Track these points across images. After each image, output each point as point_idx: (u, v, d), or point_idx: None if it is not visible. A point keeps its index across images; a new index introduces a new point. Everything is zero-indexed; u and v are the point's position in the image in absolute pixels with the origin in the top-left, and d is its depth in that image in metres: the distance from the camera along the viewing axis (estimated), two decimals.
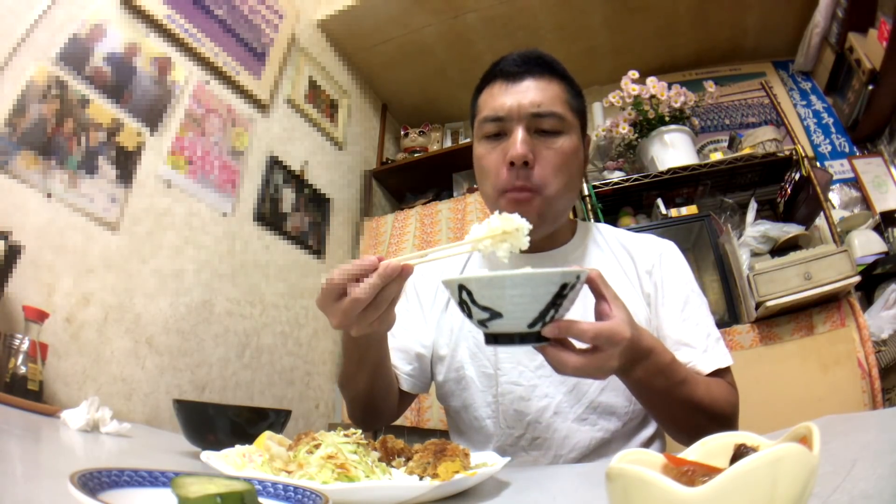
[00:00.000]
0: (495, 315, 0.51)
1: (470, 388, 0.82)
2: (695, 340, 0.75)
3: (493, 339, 0.54)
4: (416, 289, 0.92)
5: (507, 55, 0.82)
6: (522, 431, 0.77)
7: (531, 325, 0.51)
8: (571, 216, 1.52)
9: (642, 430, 0.78)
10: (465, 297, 0.52)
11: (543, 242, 0.83)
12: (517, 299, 0.50)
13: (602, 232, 0.90)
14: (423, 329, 0.87)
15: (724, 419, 0.68)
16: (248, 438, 0.53)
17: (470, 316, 0.54)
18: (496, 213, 0.61)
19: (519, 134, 0.75)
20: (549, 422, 0.75)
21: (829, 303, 1.44)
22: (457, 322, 0.85)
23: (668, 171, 1.80)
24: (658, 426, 0.81)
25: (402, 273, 0.56)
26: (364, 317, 0.57)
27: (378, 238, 2.12)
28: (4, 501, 0.36)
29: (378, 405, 0.81)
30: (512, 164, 0.74)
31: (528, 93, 0.77)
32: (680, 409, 0.66)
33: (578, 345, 0.54)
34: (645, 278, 0.81)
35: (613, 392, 0.75)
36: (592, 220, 1.81)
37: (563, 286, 0.50)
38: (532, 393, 0.77)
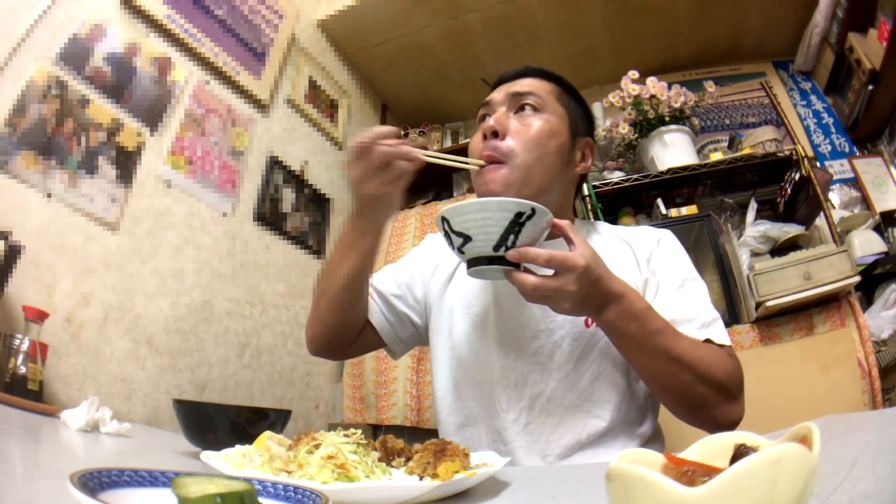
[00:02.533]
0: (467, 239, 0.60)
1: (463, 369, 0.84)
2: (688, 317, 0.73)
3: (471, 264, 0.63)
4: (427, 248, 0.97)
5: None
6: (516, 416, 0.77)
7: (495, 247, 0.59)
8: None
9: (640, 426, 0.78)
10: (446, 227, 0.62)
11: None
12: (480, 223, 0.59)
13: (601, 228, 0.91)
14: (416, 288, 0.92)
15: (718, 384, 0.67)
16: (248, 438, 0.53)
17: (452, 245, 0.63)
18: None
19: (498, 111, 0.82)
20: (543, 408, 0.76)
21: (829, 303, 1.44)
22: (456, 302, 0.87)
23: (668, 171, 1.80)
24: (657, 425, 0.81)
25: (415, 158, 0.68)
26: (379, 173, 0.68)
27: None
28: (4, 501, 0.36)
29: (344, 316, 0.82)
30: (485, 136, 0.79)
31: (516, 85, 0.85)
32: (662, 361, 0.66)
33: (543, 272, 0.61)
34: (644, 266, 0.82)
35: (607, 382, 0.76)
36: (593, 220, 1.81)
37: (519, 214, 0.58)
38: (525, 379, 0.78)
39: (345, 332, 0.85)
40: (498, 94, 0.85)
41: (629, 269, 0.81)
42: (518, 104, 0.82)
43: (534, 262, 0.60)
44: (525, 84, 0.85)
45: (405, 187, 0.71)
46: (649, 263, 0.82)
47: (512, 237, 0.59)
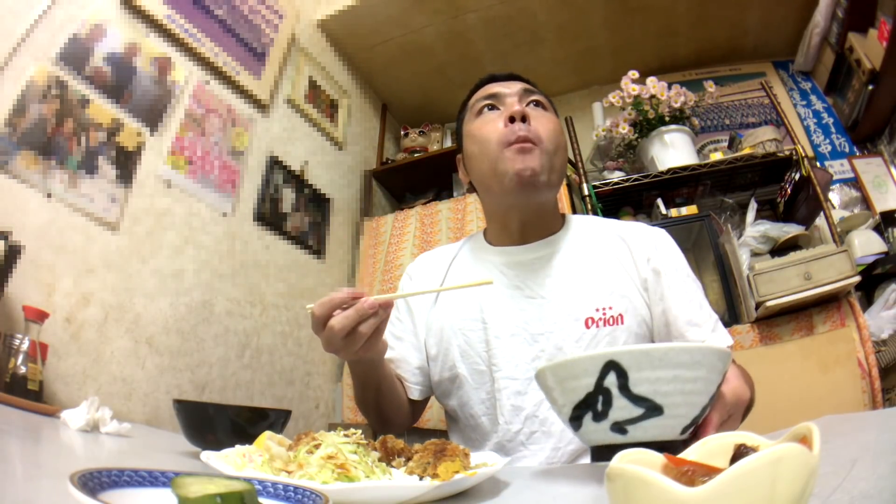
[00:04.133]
0: (652, 411, 0.38)
1: (464, 387, 0.83)
2: (702, 321, 0.78)
3: (612, 454, 0.37)
4: (413, 281, 0.96)
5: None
6: (520, 426, 0.77)
7: (686, 428, 0.37)
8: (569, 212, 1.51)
9: None
10: (609, 382, 0.38)
11: (533, 232, 0.86)
12: (689, 385, 0.37)
13: (593, 222, 0.92)
14: (418, 335, 0.91)
15: (751, 400, 0.68)
16: (248, 438, 0.53)
17: (601, 416, 0.39)
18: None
19: (514, 100, 0.84)
20: (547, 415, 0.75)
21: (829, 303, 1.44)
22: (446, 320, 0.86)
23: (668, 171, 1.80)
24: None
25: (381, 309, 0.62)
26: (347, 344, 0.63)
27: (378, 238, 2.12)
28: (4, 501, 0.36)
29: (391, 418, 0.85)
30: (512, 119, 0.80)
31: (517, 85, 0.88)
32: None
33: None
34: (642, 264, 0.82)
35: None
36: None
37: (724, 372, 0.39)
38: (528, 386, 0.77)
39: (401, 422, 0.87)
40: (507, 89, 0.87)
41: (626, 268, 0.82)
42: (529, 100, 0.86)
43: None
44: (526, 87, 0.89)
45: (382, 332, 0.67)
46: (649, 263, 0.82)
47: (708, 408, 0.39)
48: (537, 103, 0.87)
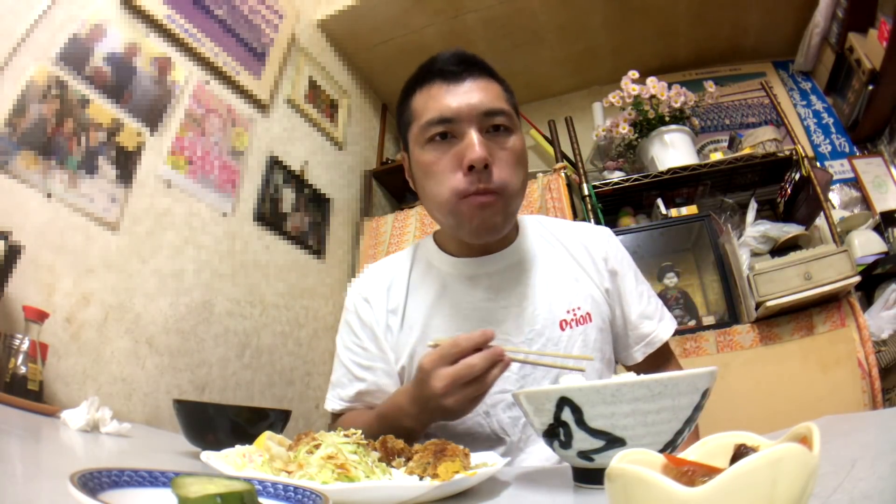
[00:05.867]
0: (613, 443, 0.38)
1: None
2: (652, 311, 0.85)
3: (590, 476, 0.40)
4: (362, 318, 0.84)
5: (438, 55, 0.78)
6: (519, 434, 0.76)
7: (661, 451, 0.35)
8: (572, 218, 1.53)
9: None
10: (566, 416, 0.39)
11: (494, 245, 0.83)
12: (652, 417, 0.37)
13: (543, 224, 0.90)
14: (388, 360, 0.82)
15: None
16: (248, 438, 0.53)
17: (566, 445, 0.40)
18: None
19: (474, 136, 0.70)
20: None
21: (829, 303, 1.44)
22: (419, 343, 0.80)
23: (668, 171, 1.80)
24: None
25: (504, 361, 0.59)
26: (465, 389, 0.58)
27: (378, 238, 2.12)
28: (4, 501, 0.35)
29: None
30: (471, 167, 0.70)
31: (473, 93, 0.73)
32: None
33: None
34: (601, 264, 0.85)
35: (595, 378, 0.77)
36: (593, 219, 1.81)
37: (706, 392, 0.39)
38: None
39: None
40: (459, 105, 0.72)
41: (586, 267, 0.84)
42: (488, 125, 0.73)
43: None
44: (484, 93, 0.74)
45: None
46: (607, 263, 0.85)
47: (686, 432, 0.39)
48: (498, 127, 0.74)
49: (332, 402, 0.84)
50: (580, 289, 0.82)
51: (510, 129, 0.75)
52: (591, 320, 0.79)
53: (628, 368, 0.88)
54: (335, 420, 0.84)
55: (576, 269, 0.84)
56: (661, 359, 0.87)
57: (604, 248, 0.86)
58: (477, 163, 0.69)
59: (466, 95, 0.73)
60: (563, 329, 0.78)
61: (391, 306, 0.83)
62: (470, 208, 0.72)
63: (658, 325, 0.85)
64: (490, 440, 0.77)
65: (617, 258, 0.86)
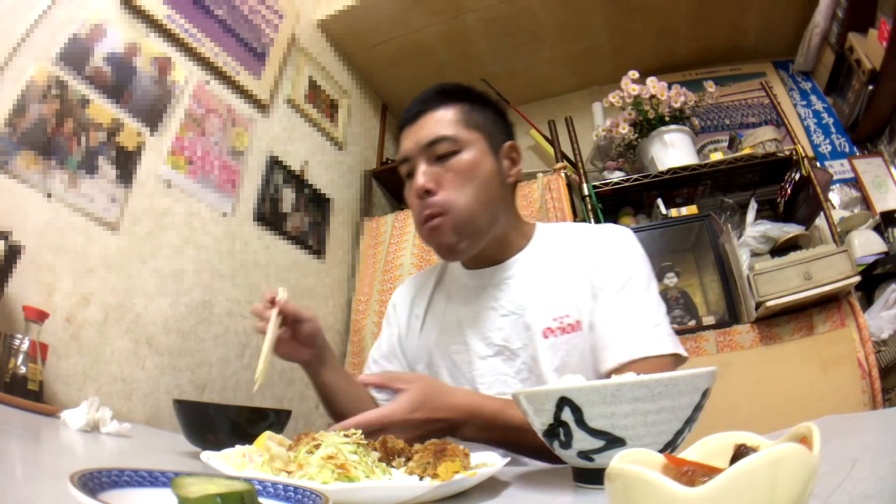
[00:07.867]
0: (613, 443, 0.38)
1: None
2: (622, 327, 0.73)
3: (590, 476, 0.41)
4: (396, 310, 0.98)
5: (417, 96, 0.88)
6: None
7: (661, 451, 0.35)
8: (572, 218, 1.49)
9: None
10: (566, 416, 0.40)
11: (498, 256, 0.86)
12: (652, 417, 0.38)
13: (561, 231, 0.89)
14: (408, 358, 0.94)
15: None
16: (248, 438, 0.53)
17: (566, 445, 0.41)
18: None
19: (420, 167, 0.80)
20: None
21: (829, 303, 1.44)
22: (434, 344, 0.89)
23: (668, 171, 1.80)
24: None
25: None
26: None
27: (378, 238, 2.12)
28: (4, 501, 0.35)
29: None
30: (420, 196, 0.79)
31: (423, 129, 0.82)
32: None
33: None
34: (593, 270, 0.79)
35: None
36: (593, 220, 1.81)
37: (706, 392, 0.39)
38: None
39: None
40: (411, 145, 0.82)
41: (577, 278, 0.81)
42: (434, 155, 0.80)
43: None
44: (432, 124, 0.81)
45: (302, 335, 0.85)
46: (597, 268, 0.80)
47: (686, 432, 0.40)
48: (442, 156, 0.80)
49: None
50: (571, 296, 0.79)
51: (455, 150, 0.80)
52: (580, 328, 0.77)
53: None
54: None
55: (572, 277, 0.81)
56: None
57: (598, 250, 0.82)
58: (418, 192, 0.79)
59: (416, 134, 0.82)
60: (546, 337, 0.78)
61: (416, 312, 0.95)
62: (426, 233, 0.81)
63: (621, 345, 0.72)
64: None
65: (604, 259, 0.80)
